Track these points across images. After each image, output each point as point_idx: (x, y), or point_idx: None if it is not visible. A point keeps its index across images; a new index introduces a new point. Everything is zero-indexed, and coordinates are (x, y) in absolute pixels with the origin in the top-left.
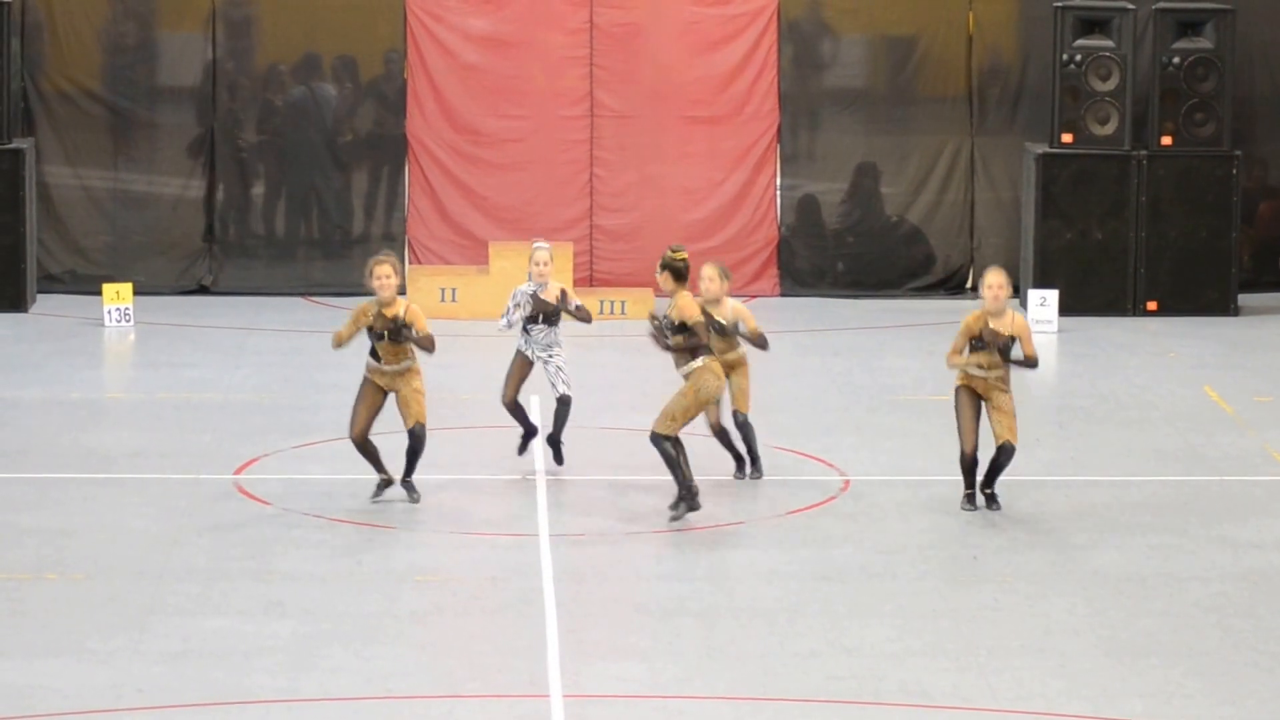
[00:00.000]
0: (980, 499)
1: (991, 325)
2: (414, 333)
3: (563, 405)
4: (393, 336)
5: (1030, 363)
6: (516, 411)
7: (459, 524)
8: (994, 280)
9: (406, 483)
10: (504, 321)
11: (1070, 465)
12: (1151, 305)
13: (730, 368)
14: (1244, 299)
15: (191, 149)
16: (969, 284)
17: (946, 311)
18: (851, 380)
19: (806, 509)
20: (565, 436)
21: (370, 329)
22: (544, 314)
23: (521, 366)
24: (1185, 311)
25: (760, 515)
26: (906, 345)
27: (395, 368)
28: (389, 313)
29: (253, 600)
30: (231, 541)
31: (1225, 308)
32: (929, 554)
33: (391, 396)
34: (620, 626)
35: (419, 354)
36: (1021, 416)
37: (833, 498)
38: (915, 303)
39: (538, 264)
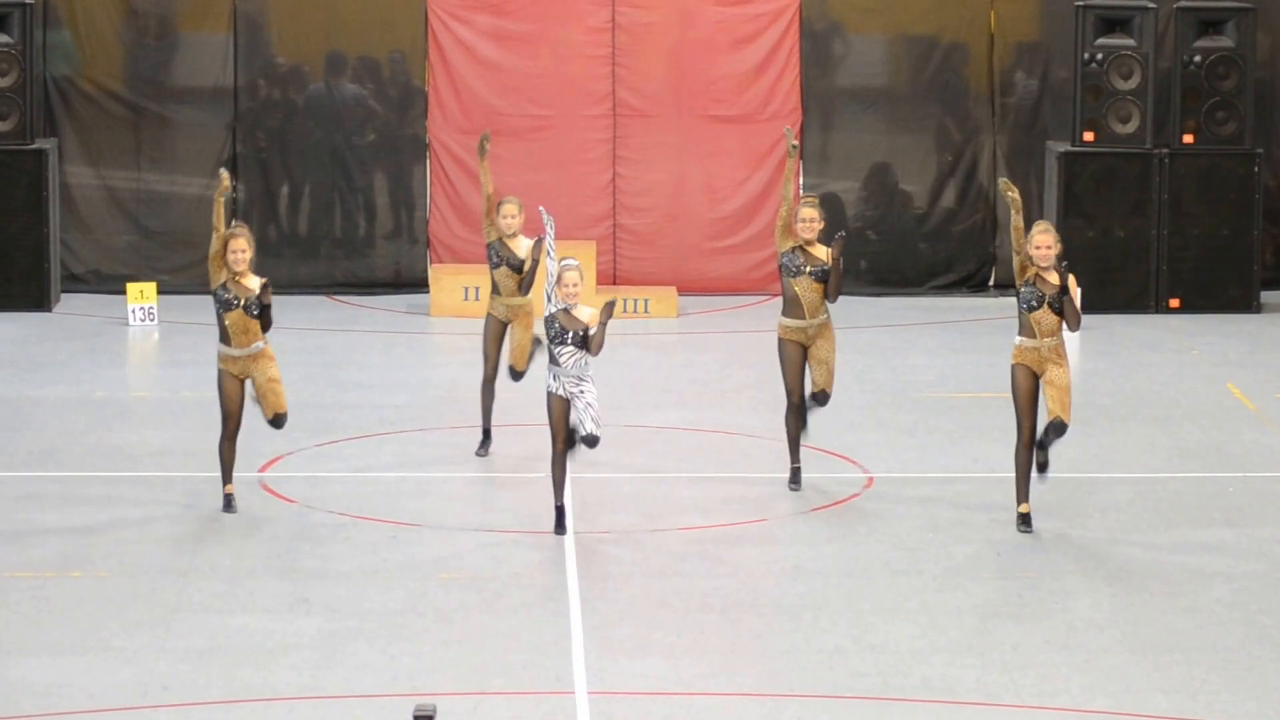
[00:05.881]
0: (1028, 517)
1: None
2: (264, 303)
3: (592, 444)
4: (247, 309)
5: (1071, 314)
6: (563, 469)
7: (483, 521)
8: (1040, 241)
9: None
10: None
11: (1093, 462)
12: (1174, 303)
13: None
14: (1266, 296)
15: (213, 149)
16: (991, 282)
17: (969, 309)
18: (874, 378)
19: (830, 506)
20: (592, 418)
21: (223, 287)
22: (574, 334)
23: (559, 407)
24: (1207, 309)
25: (784, 512)
26: (929, 343)
27: (245, 351)
28: (245, 282)
29: (278, 598)
30: (256, 539)
31: (1247, 305)
32: (953, 550)
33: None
34: (645, 623)
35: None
36: (1042, 415)
37: (856, 495)
38: (937, 300)
39: (566, 285)
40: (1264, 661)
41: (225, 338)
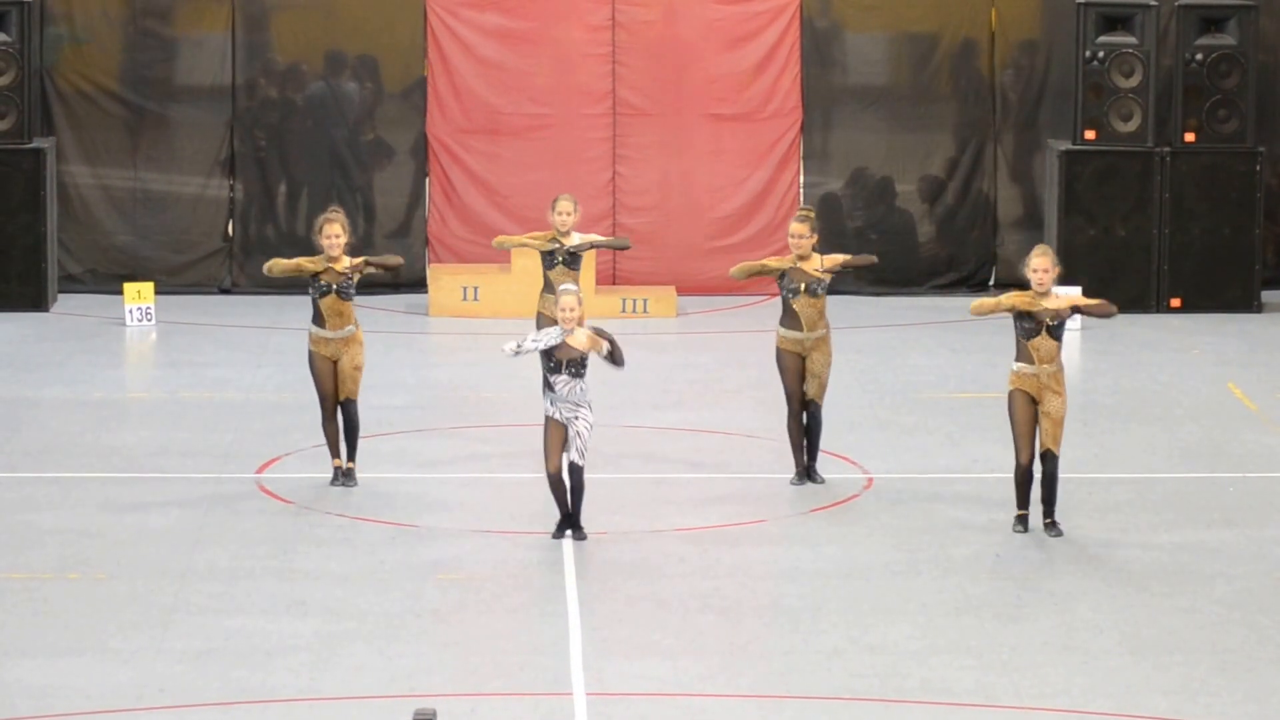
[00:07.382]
0: (1032, 519)
1: (1043, 305)
2: (369, 269)
3: (575, 474)
4: (340, 293)
5: (1099, 310)
6: (559, 487)
7: (481, 522)
8: (1038, 264)
9: (348, 469)
10: (513, 345)
11: (1094, 462)
12: (1175, 302)
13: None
14: (1267, 295)
15: (212, 148)
16: (992, 281)
17: (969, 309)
18: (875, 378)
19: (830, 506)
20: (578, 448)
21: (316, 277)
22: (568, 362)
23: (556, 432)
24: (1208, 308)
25: (783, 513)
26: (930, 343)
27: (338, 334)
28: (338, 267)
29: (275, 599)
30: (254, 540)
31: (1248, 304)
32: (952, 552)
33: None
34: (643, 624)
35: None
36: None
37: (856, 495)
38: (938, 300)
39: (564, 309)
40: (1264, 663)
41: (319, 319)
